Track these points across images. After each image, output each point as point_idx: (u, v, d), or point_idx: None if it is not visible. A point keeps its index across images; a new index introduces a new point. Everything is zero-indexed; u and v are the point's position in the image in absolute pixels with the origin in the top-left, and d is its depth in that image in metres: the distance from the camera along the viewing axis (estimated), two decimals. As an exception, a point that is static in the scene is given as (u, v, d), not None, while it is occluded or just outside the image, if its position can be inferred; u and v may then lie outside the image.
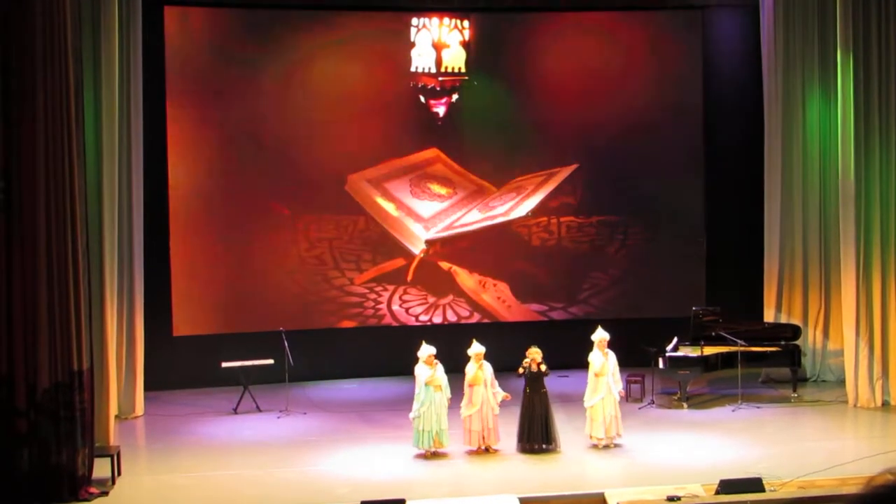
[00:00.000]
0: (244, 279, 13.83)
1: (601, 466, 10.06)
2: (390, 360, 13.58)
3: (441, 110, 14.33)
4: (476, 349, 10.44)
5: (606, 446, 10.49)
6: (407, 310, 14.41)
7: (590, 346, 10.68)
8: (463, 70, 14.29)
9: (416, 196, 14.37)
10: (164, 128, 13.35)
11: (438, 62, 14.23)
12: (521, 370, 10.44)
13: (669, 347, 12.41)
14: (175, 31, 13.45)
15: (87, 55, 10.69)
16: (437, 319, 14.45)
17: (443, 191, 14.44)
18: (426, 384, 10.23)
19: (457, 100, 14.33)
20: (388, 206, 14.31)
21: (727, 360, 12.39)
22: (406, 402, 10.55)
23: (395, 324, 14.35)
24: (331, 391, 13.41)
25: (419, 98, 14.26)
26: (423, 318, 14.42)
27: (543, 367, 10.38)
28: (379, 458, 10.32)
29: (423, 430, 10.24)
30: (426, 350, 10.37)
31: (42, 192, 9.28)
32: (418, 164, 14.39)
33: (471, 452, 10.39)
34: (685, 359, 12.32)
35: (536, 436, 10.34)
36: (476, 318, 14.51)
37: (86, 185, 10.03)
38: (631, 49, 14.54)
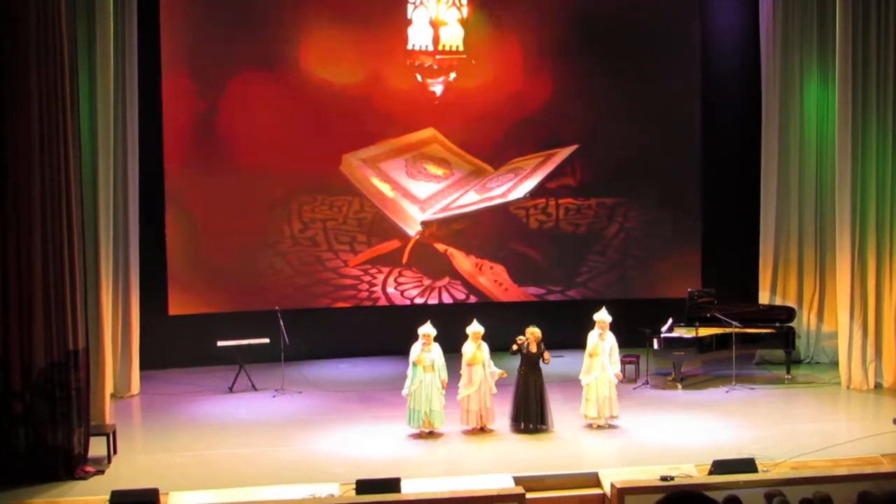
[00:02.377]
0: (239, 259, 13.84)
1: (596, 446, 10.14)
2: (388, 340, 13.61)
3: (438, 89, 14.30)
4: (475, 328, 10.48)
5: (601, 427, 10.57)
6: (402, 292, 14.43)
7: (587, 326, 10.75)
8: (461, 48, 14.25)
9: (412, 177, 14.37)
10: (160, 110, 13.31)
11: (436, 40, 14.18)
12: (514, 347, 10.49)
13: (664, 328, 12.49)
14: (170, 12, 13.40)
15: (82, 37, 10.65)
16: (433, 302, 14.47)
17: (439, 171, 14.44)
18: (413, 363, 10.31)
19: (454, 78, 14.29)
20: (384, 187, 14.31)
21: (722, 342, 12.47)
22: (402, 381, 10.59)
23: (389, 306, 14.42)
24: (326, 370, 13.46)
25: (416, 76, 14.23)
26: (419, 300, 14.45)
27: (546, 356, 10.39)
28: (375, 437, 10.39)
29: (414, 410, 10.32)
30: (423, 329, 10.43)
31: (37, 173, 9.28)
32: (414, 144, 14.37)
33: (467, 432, 10.46)
34: (680, 340, 12.41)
35: (531, 416, 10.41)
36: (473, 300, 14.54)
37: (81, 167, 10.01)
38: (629, 30, 14.53)
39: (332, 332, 14.16)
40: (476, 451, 10.02)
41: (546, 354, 10.47)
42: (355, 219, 14.25)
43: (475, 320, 10.59)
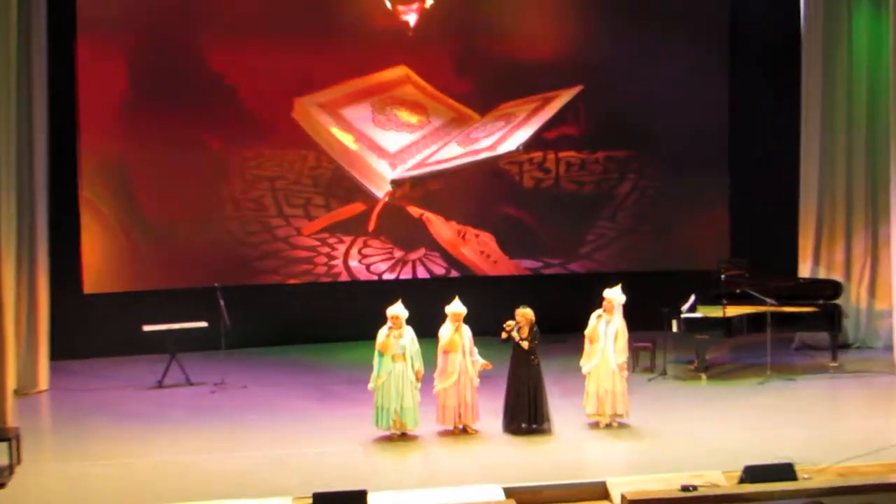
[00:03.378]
0: (168, 227, 13.81)
1: (603, 450, 10.15)
2: (350, 323, 13.64)
3: (412, 18, 14.17)
4: (455, 308, 10.45)
5: (609, 426, 10.59)
6: (368, 266, 14.41)
7: (593, 306, 10.73)
8: (439, -31, 14.13)
9: (380, 125, 14.31)
10: (73, 55, 13.17)
11: (408, -41, 14.08)
12: (504, 334, 10.47)
13: (686, 307, 12.50)
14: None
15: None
16: (406, 277, 14.49)
17: (413, 119, 14.38)
18: (379, 352, 10.28)
19: (431, 6, 14.15)
20: (345, 138, 14.24)
21: (754, 323, 12.50)
22: (366, 372, 10.54)
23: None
24: (277, 360, 13.49)
25: (385, 3, 14.08)
26: (388, 276, 14.46)
27: (525, 343, 10.36)
28: (335, 440, 10.38)
29: (382, 407, 10.29)
30: (391, 310, 10.39)
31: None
32: (383, 86, 14.29)
33: (445, 433, 10.46)
34: (704, 321, 12.42)
35: (523, 413, 10.40)
36: (454, 275, 14.59)
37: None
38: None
39: (283, 313, 14.17)
40: (458, 456, 10.02)
41: (525, 343, 10.41)
42: (310, 176, 14.17)
43: (457, 298, 10.56)
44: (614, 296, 10.64)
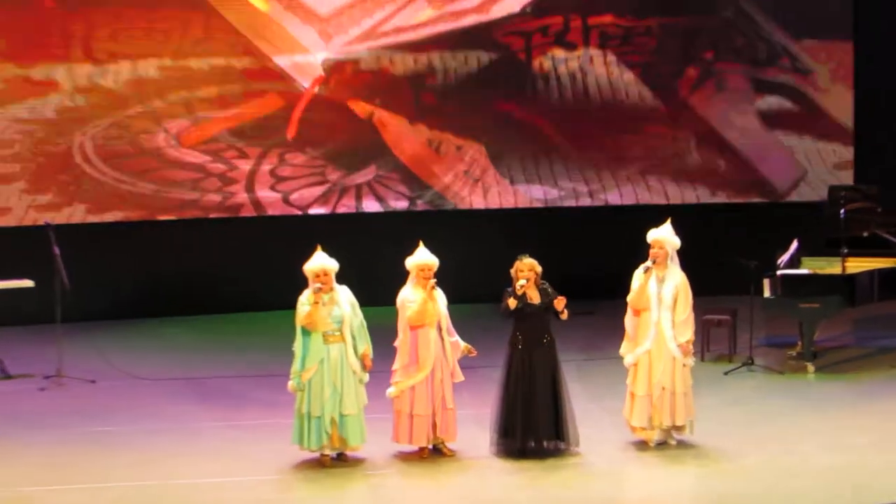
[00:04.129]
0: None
1: (655, 483, 10.16)
2: (258, 284, 13.97)
3: None
4: (422, 258, 10.41)
5: (664, 444, 10.61)
6: (286, 196, 14.63)
7: (639, 258, 10.66)
8: None
9: (306, -28, 14.34)
10: None
11: None
12: (511, 301, 10.39)
13: (783, 260, 12.58)
14: None
15: None
16: (345, 211, 14.72)
17: (357, -35, 14.44)
18: (302, 326, 10.23)
19: None
20: (252, -7, 14.31)
21: (889, 284, 12.56)
22: (284, 361, 10.53)
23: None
24: (143, 341, 13.67)
25: None
26: (318, 210, 14.70)
27: (565, 314, 10.33)
28: (237, 466, 10.35)
29: (310, 416, 10.26)
30: (312, 264, 10.32)
31: None
32: None
33: (408, 457, 10.48)
34: (813, 280, 12.46)
35: (535, 426, 10.37)
36: (421, 208, 14.84)
37: None
38: None
39: (152, 268, 14.39)
40: (427, 493, 10.01)
41: (559, 302, 10.33)
42: (195, 54, 14.32)
43: (421, 246, 10.51)
44: (665, 236, 10.55)
